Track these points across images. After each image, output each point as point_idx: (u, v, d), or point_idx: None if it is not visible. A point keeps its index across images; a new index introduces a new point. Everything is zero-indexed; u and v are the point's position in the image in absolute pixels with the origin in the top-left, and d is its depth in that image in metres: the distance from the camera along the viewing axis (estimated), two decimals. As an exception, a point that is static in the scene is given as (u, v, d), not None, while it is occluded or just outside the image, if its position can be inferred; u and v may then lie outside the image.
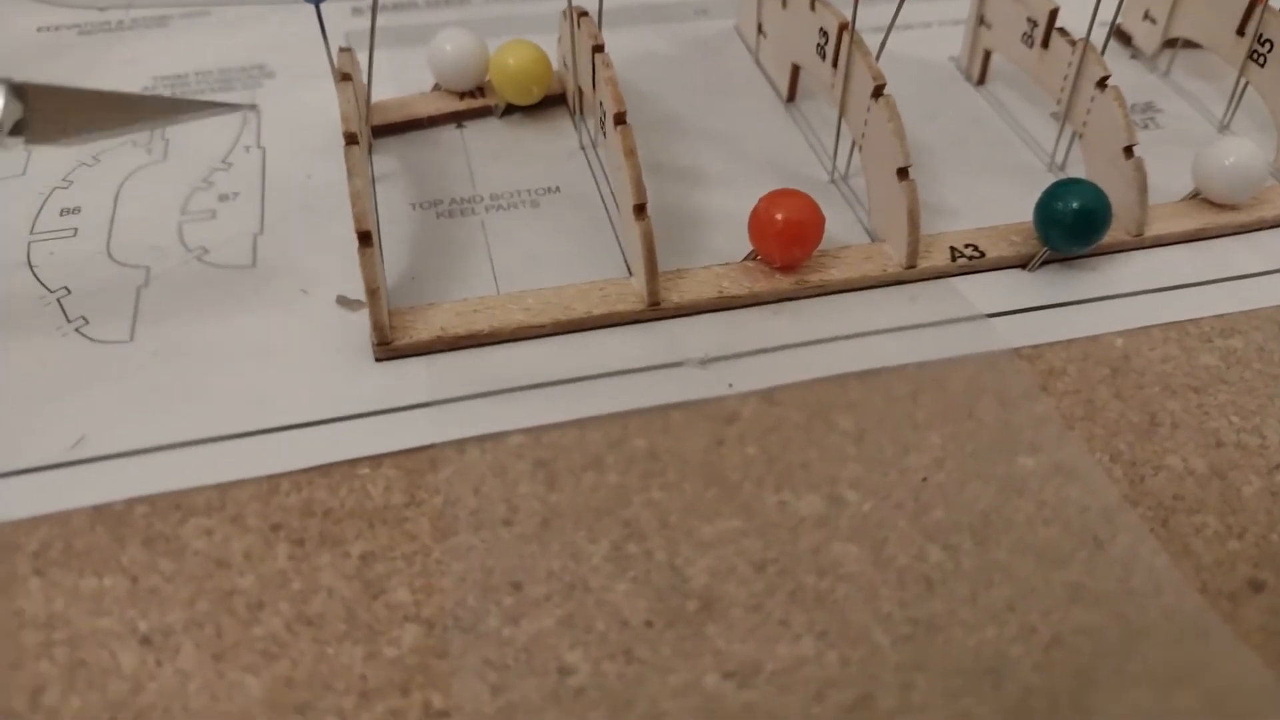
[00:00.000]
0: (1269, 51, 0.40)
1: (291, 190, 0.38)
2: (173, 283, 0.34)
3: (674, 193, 0.38)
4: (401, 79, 0.42)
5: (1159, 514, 0.28)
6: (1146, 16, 0.46)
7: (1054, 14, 0.39)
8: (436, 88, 0.42)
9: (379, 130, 0.40)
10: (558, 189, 0.38)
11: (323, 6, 0.47)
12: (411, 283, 0.34)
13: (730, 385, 0.31)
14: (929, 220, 0.37)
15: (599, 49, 0.35)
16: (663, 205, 0.38)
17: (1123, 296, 0.35)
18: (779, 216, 0.33)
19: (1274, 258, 0.37)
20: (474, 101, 0.41)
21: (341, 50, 0.35)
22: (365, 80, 0.38)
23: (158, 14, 0.47)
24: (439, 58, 0.41)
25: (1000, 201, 0.38)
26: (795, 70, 0.42)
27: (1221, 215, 0.37)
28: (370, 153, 0.39)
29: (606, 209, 0.37)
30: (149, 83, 0.43)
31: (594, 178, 0.39)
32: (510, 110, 0.41)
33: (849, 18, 0.36)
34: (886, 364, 0.32)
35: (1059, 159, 0.40)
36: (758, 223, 0.34)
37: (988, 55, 0.43)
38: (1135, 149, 0.36)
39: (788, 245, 0.33)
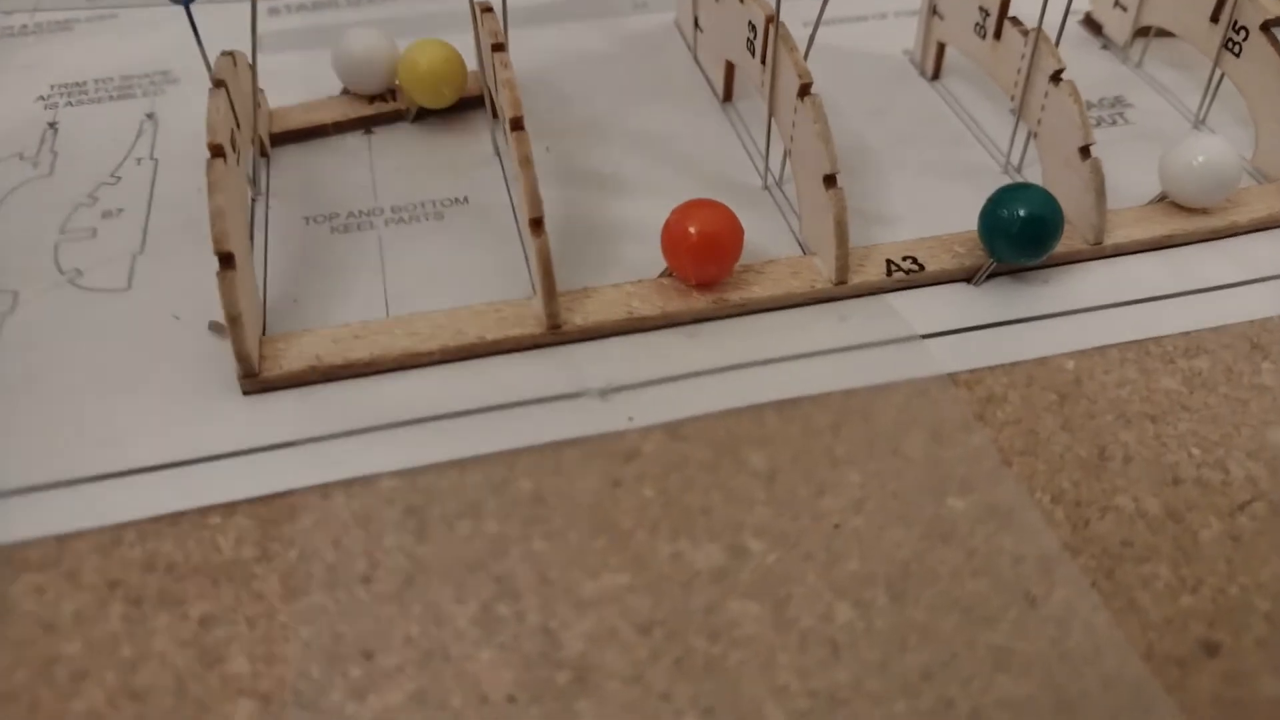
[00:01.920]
0: (1244, 40, 0.36)
1: (180, 205, 0.35)
2: (40, 309, 0.31)
3: (590, 202, 0.35)
4: (315, 82, 0.39)
5: (1103, 563, 0.25)
6: (1117, 4, 0.42)
7: (1006, 2, 0.35)
8: (346, 92, 0.39)
9: (280, 138, 0.37)
10: (466, 200, 0.35)
11: (238, 7, 0.45)
12: (293, 305, 0.31)
13: (630, 419, 0.28)
14: (867, 230, 0.34)
15: (498, 48, 0.32)
16: (577, 216, 0.35)
17: (1077, 313, 0.32)
18: (692, 230, 0.30)
19: (1248, 266, 0.33)
20: (384, 106, 0.38)
21: (222, 55, 0.32)
22: (257, 85, 0.36)
23: (63, 17, 0.45)
24: (345, 60, 0.38)
25: (948, 207, 0.34)
26: (730, 68, 0.39)
27: (1190, 220, 0.34)
28: (263, 164, 0.36)
29: (516, 221, 0.34)
30: (45, 90, 0.40)
31: (506, 187, 0.36)
32: (423, 114, 0.38)
33: (777, 10, 0.32)
34: (808, 392, 0.29)
35: (1015, 160, 0.37)
36: (670, 237, 0.30)
37: (941, 48, 0.40)
38: (1092, 149, 0.32)
39: (702, 261, 0.30)
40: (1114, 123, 0.39)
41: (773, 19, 0.33)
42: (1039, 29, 0.34)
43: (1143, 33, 0.42)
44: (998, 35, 0.36)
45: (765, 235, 0.34)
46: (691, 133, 0.38)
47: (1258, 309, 0.32)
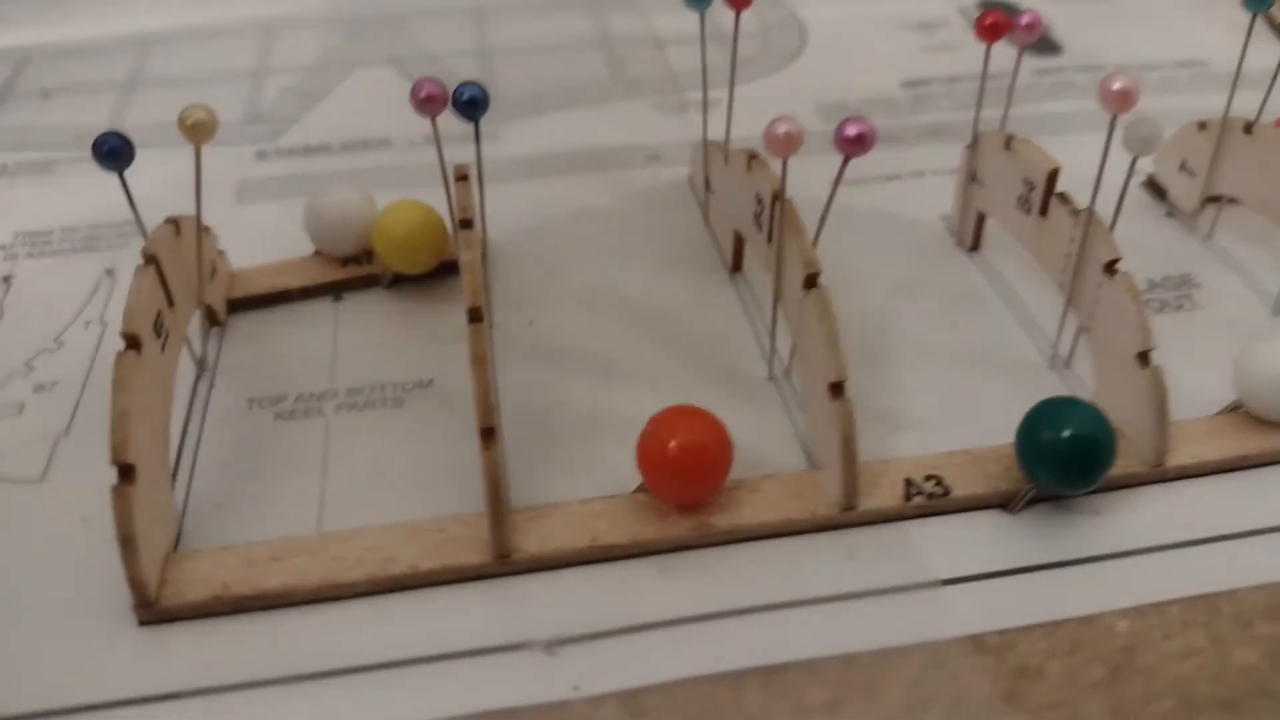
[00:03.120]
0: (1334, 221, 0.32)
1: (118, 379, 0.31)
2: (-58, 501, 0.28)
3: (571, 390, 0.31)
4: (296, 239, 0.36)
5: None
6: (1183, 167, 0.38)
7: (1054, 176, 0.31)
8: (318, 253, 0.36)
9: (241, 304, 0.34)
10: (430, 383, 0.31)
11: (223, 150, 0.42)
12: (215, 511, 0.27)
13: (576, 688, 0.23)
14: (885, 437, 0.29)
15: (465, 223, 0.28)
16: (554, 406, 0.30)
17: (1133, 554, 0.26)
18: (672, 445, 0.26)
19: (1344, 500, 0.28)
20: (357, 270, 0.35)
21: (165, 223, 0.29)
22: (212, 247, 0.32)
23: (45, 158, 0.42)
24: (316, 219, 0.35)
25: (984, 411, 0.30)
26: (738, 238, 0.35)
27: (1273, 436, 0.29)
28: (215, 334, 0.33)
29: (485, 412, 0.30)
30: (9, 239, 0.38)
31: (478, 370, 0.32)
32: (399, 280, 0.35)
33: (783, 182, 0.28)
34: (800, 656, 0.24)
35: (1064, 354, 0.32)
36: (646, 451, 0.26)
37: (981, 217, 0.36)
38: (1152, 355, 0.28)
39: (681, 482, 0.26)
40: (1179, 307, 0.34)
41: (779, 195, 0.29)
42: (1090, 210, 0.29)
43: (1213, 199, 0.37)
44: (1043, 212, 0.31)
45: (766, 438, 0.29)
46: (695, 307, 0.34)
47: (1357, 554, 0.26)
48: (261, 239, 0.36)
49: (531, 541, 0.26)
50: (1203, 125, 0.36)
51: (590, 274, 0.36)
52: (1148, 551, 0.26)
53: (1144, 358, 0.28)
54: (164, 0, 0.54)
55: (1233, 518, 0.27)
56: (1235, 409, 0.30)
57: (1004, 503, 0.27)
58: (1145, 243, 0.37)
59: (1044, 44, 0.49)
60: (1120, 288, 0.28)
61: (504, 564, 0.25)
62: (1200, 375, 0.31)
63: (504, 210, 0.38)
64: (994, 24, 0.32)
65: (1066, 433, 0.26)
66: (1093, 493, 0.27)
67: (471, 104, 0.28)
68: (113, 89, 0.47)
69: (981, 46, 0.32)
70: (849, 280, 0.35)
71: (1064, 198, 0.31)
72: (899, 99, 0.45)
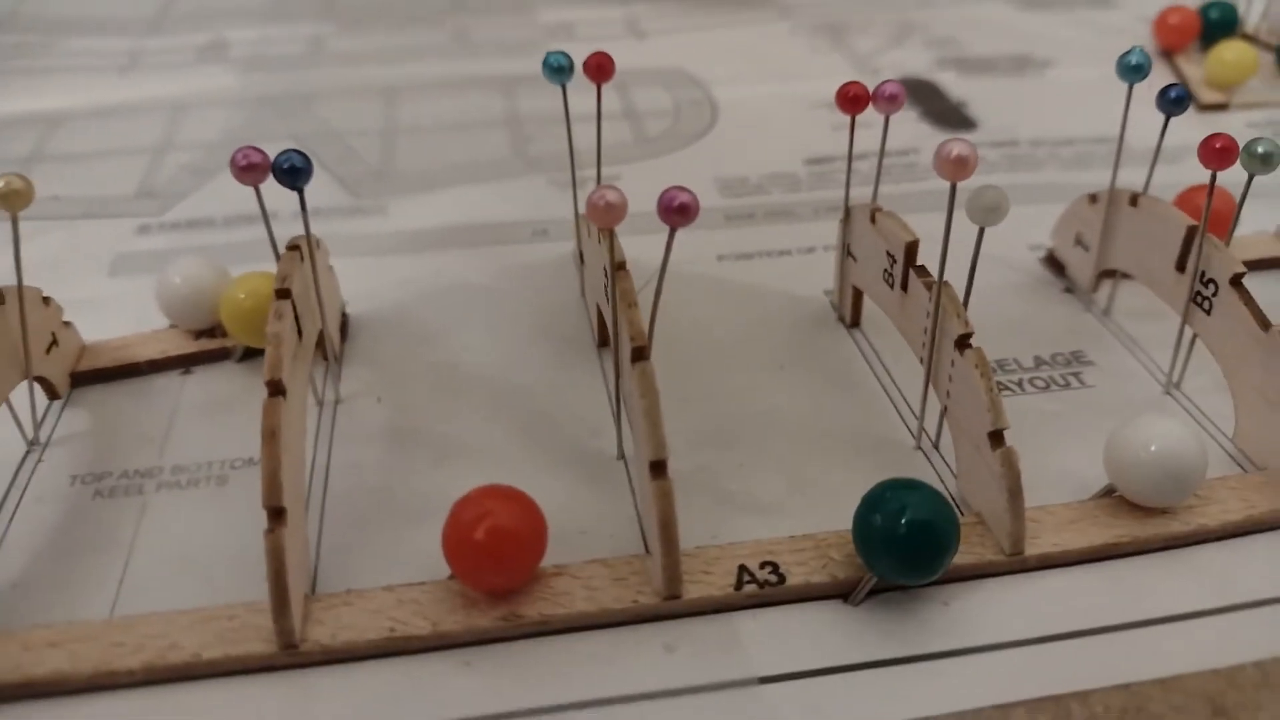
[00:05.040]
0: (1214, 295, 0.30)
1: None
2: None
3: (407, 471, 0.29)
4: (158, 312, 0.35)
5: None
6: (1079, 241, 0.36)
7: (912, 249, 0.30)
8: (174, 326, 0.34)
9: (86, 377, 0.33)
10: (257, 460, 0.30)
11: (105, 223, 0.42)
12: (11, 592, 0.26)
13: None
14: (734, 519, 0.27)
15: (281, 294, 0.27)
16: (385, 487, 0.29)
17: (978, 651, 0.24)
18: (474, 529, 0.24)
19: (1216, 588, 0.26)
20: (209, 343, 0.34)
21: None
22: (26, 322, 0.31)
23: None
24: (167, 292, 0.33)
25: (842, 493, 0.28)
26: (600, 311, 0.33)
27: (1144, 522, 0.27)
28: (55, 408, 0.32)
29: (310, 491, 0.29)
30: None
31: (312, 445, 0.30)
32: (251, 354, 0.34)
33: (611, 255, 0.27)
34: (595, 758, 0.22)
35: (931, 434, 0.30)
36: (448, 536, 0.24)
37: (859, 293, 0.34)
38: (1005, 435, 0.26)
39: (485, 568, 0.24)
40: (1066, 385, 0.33)
41: (621, 265, 0.27)
42: (940, 281, 0.28)
43: (1108, 274, 0.36)
44: (904, 286, 0.30)
45: (609, 520, 0.28)
46: (556, 383, 0.33)
47: (1225, 652, 0.24)
48: (129, 312, 0.35)
49: (323, 631, 0.24)
50: (1093, 198, 0.35)
51: (452, 350, 0.34)
52: (996, 648, 0.24)
53: (996, 438, 0.26)
54: (81, 79, 0.54)
55: (1093, 612, 0.25)
56: (1110, 494, 0.28)
57: (845, 593, 0.25)
58: (1039, 319, 0.36)
59: (959, 119, 0.49)
60: (970, 364, 0.27)
61: (292, 655, 0.24)
62: (1081, 457, 0.29)
63: (376, 284, 0.37)
64: (854, 96, 0.31)
65: (901, 518, 0.24)
66: (940, 583, 0.26)
67: (292, 172, 0.27)
68: (14, 163, 0.46)
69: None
70: (725, 355, 0.34)
71: (922, 270, 0.29)
72: (801, 175, 0.44)
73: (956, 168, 0.26)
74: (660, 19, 0.61)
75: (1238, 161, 0.29)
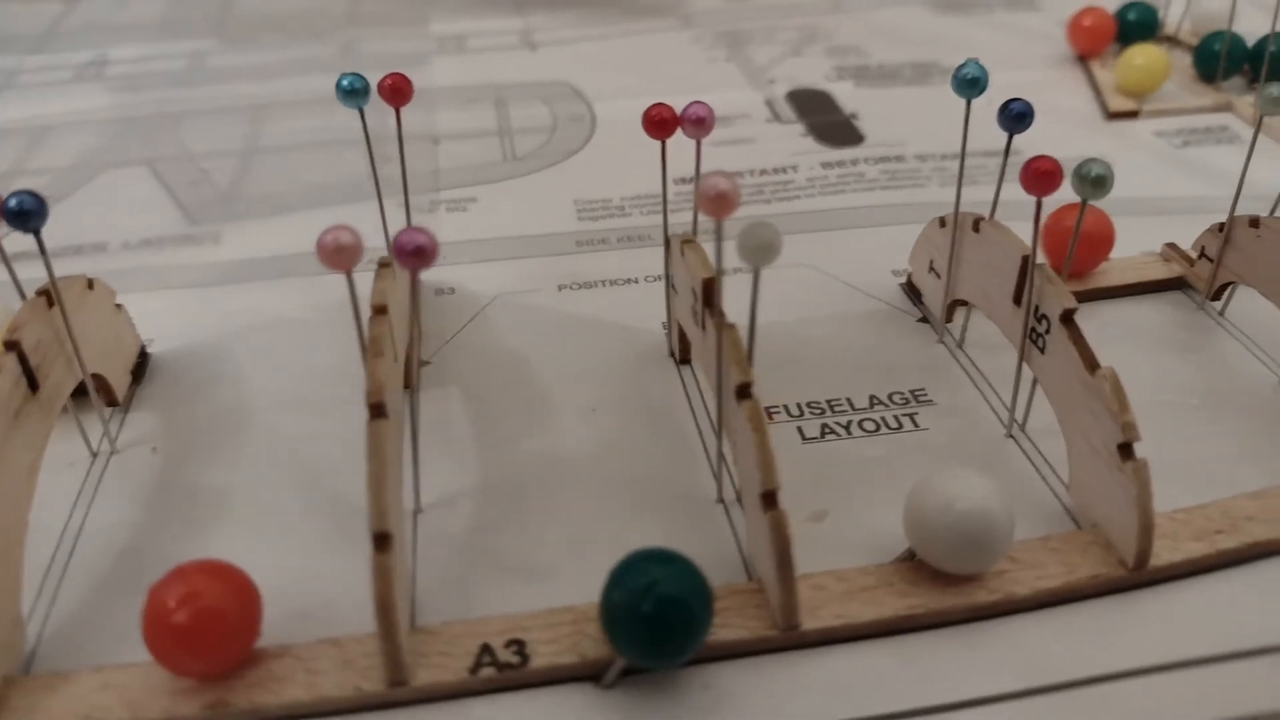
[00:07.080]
0: (1046, 332, 0.27)
1: None
2: None
3: (165, 532, 0.27)
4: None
5: None
6: (932, 268, 0.34)
7: (709, 286, 0.27)
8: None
9: None
10: None
11: None
12: None
13: None
14: (493, 587, 0.25)
15: (9, 346, 0.25)
16: (136, 549, 0.27)
17: (733, 743, 0.22)
18: (179, 615, 0.22)
19: (1022, 669, 0.23)
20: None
21: None
22: None
23: None
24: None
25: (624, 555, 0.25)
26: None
27: (945, 591, 0.24)
28: None
29: (56, 554, 0.27)
30: None
31: (71, 503, 0.28)
32: (31, 401, 0.31)
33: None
34: None
35: (729, 492, 0.28)
36: (148, 618, 0.22)
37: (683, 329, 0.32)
38: (777, 496, 0.23)
39: (186, 654, 0.22)
40: (898, 426, 0.30)
41: (377, 309, 0.25)
42: (721, 322, 0.25)
43: (960, 303, 0.33)
44: (704, 325, 0.28)
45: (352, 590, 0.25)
46: (338, 433, 0.30)
47: (1019, 744, 0.22)
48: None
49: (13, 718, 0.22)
50: (943, 221, 0.33)
51: (245, 393, 0.32)
52: (756, 738, 0.22)
53: (768, 499, 0.23)
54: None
55: (878, 695, 0.23)
56: (912, 557, 0.25)
57: (597, 674, 0.23)
58: (888, 351, 0.33)
59: (847, 132, 0.46)
60: (745, 416, 0.24)
61: (-34, 754, 0.21)
62: (894, 511, 0.26)
63: (191, 319, 0.35)
64: (659, 119, 0.29)
65: (640, 594, 0.22)
66: (702, 661, 0.23)
67: (22, 215, 0.25)
68: None
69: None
70: (541, 395, 0.32)
71: (715, 311, 0.27)
72: (669, 195, 0.42)
73: (718, 205, 0.23)
74: (557, 29, 0.58)
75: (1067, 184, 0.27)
